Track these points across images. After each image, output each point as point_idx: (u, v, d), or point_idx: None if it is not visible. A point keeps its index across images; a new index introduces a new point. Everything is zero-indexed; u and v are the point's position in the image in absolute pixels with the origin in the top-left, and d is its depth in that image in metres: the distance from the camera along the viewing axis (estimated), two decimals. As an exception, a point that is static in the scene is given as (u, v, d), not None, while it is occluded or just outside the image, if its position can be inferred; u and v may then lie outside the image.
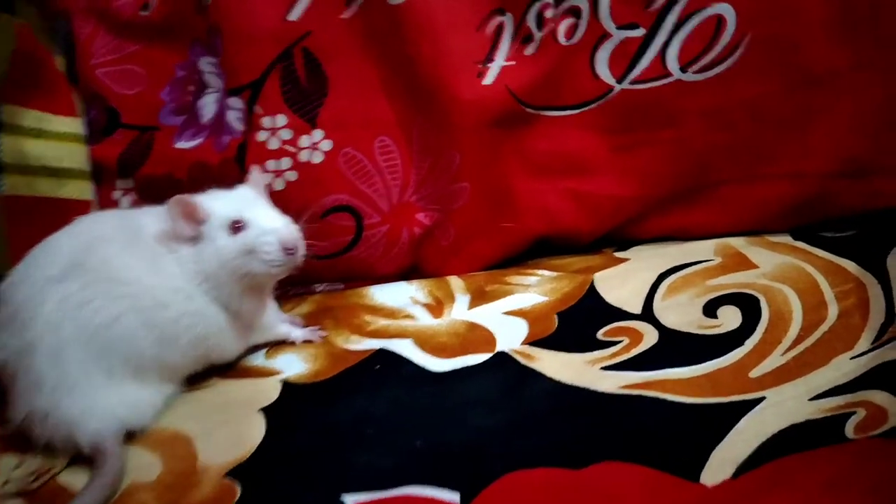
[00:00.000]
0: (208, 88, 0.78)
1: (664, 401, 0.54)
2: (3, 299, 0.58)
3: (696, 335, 0.61)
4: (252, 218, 0.60)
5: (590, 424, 0.53)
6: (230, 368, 0.66)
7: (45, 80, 0.73)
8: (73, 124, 0.76)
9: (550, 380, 0.58)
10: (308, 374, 0.64)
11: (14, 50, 0.69)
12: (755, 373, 0.55)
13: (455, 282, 0.78)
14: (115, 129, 0.78)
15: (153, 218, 0.62)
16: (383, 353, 0.66)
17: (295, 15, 0.74)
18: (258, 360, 0.68)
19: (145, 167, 0.78)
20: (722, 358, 0.57)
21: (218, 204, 0.61)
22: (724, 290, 0.66)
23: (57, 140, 0.74)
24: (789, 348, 0.57)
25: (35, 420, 0.56)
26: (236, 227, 0.60)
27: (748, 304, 0.63)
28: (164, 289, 0.60)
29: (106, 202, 0.79)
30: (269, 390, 0.63)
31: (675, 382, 0.56)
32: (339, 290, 0.81)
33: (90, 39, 0.78)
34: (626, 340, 0.62)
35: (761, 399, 0.52)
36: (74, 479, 0.54)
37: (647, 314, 0.65)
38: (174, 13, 0.76)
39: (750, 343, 0.58)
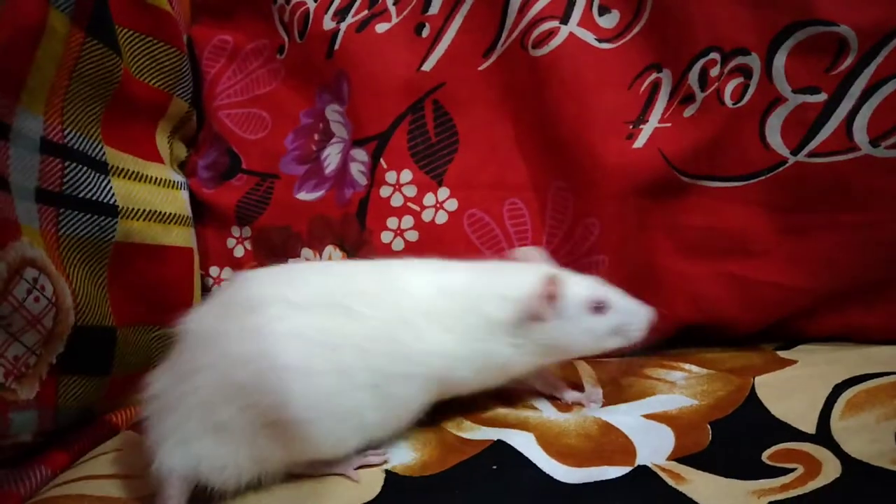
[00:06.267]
0: (333, 138, 0.73)
1: (853, 558, 0.43)
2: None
3: (893, 472, 0.49)
4: (614, 299, 0.60)
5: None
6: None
7: (134, 124, 0.69)
8: (164, 170, 0.72)
9: (705, 510, 0.48)
10: (415, 465, 0.57)
11: (115, 90, 0.63)
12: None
13: (583, 367, 0.69)
14: (236, 174, 0.75)
15: (430, 283, 0.57)
16: (501, 447, 0.57)
17: (429, 65, 0.69)
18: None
19: (263, 217, 0.74)
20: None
21: (571, 283, 0.59)
22: (920, 413, 0.54)
23: (156, 185, 0.70)
24: None
25: None
26: (598, 307, 0.60)
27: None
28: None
29: (218, 251, 0.75)
30: (371, 482, 0.55)
31: (869, 536, 0.44)
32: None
33: (216, 79, 0.76)
34: (801, 469, 0.51)
35: None
36: None
37: (824, 436, 0.54)
38: (305, 57, 0.72)
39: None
